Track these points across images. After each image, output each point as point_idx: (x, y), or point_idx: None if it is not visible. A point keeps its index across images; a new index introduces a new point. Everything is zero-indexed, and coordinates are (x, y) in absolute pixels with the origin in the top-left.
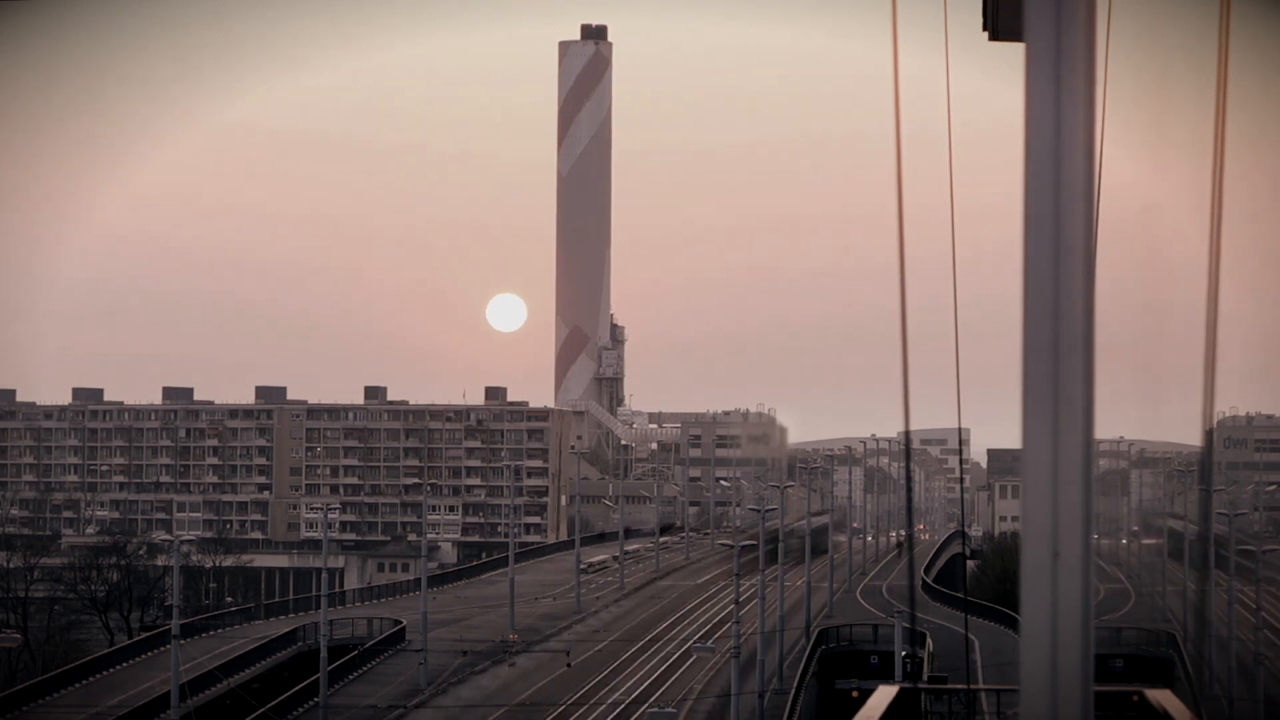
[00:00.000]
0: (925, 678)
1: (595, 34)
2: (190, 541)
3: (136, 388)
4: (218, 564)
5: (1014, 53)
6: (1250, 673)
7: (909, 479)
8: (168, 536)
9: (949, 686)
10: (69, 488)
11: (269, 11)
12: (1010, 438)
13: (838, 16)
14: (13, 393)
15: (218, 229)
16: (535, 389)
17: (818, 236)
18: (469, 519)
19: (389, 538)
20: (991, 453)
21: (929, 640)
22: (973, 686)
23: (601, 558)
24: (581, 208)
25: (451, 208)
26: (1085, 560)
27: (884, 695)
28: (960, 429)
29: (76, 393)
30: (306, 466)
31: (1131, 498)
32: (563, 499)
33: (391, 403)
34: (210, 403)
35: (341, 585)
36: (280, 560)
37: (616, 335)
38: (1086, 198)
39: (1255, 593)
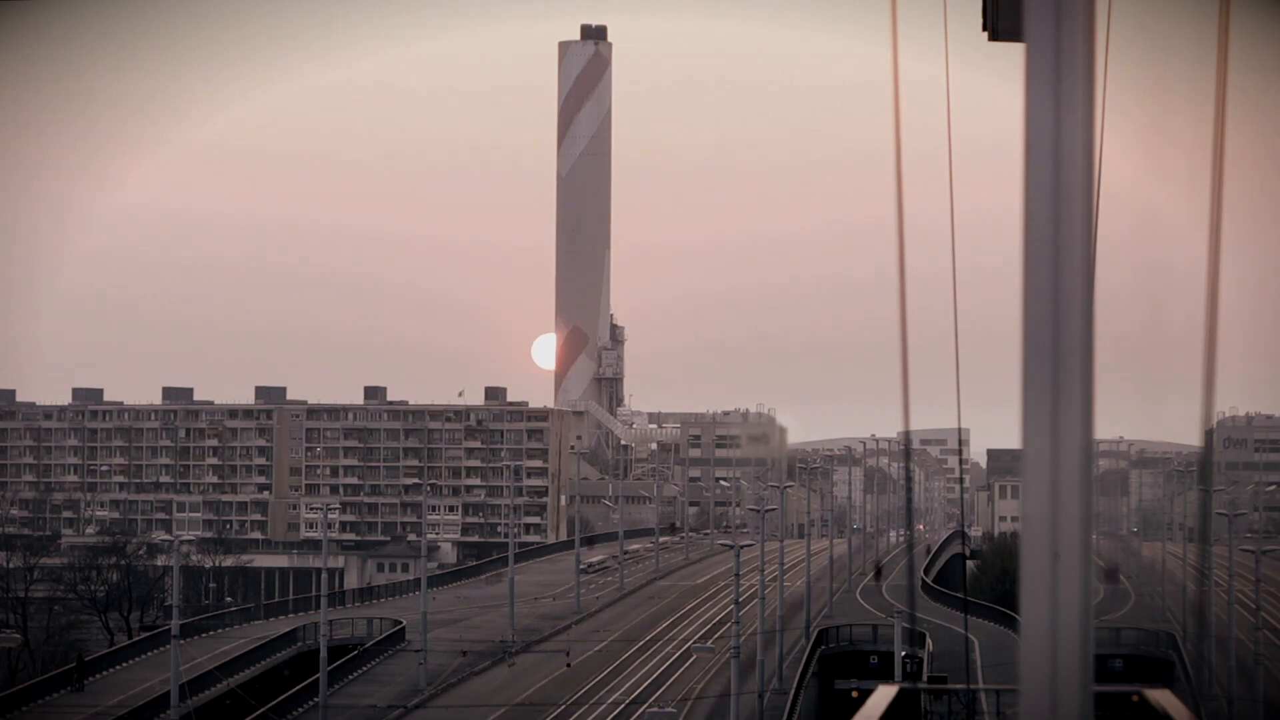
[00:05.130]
0: (925, 678)
1: (595, 34)
2: (190, 541)
3: (136, 388)
4: (217, 564)
5: (1014, 53)
6: (1250, 673)
7: (909, 479)
8: (167, 536)
9: (949, 686)
10: (69, 488)
11: (267, 14)
12: (1010, 438)
13: (837, 17)
14: (13, 393)
15: (215, 230)
16: (535, 389)
17: (818, 235)
18: (469, 519)
19: (389, 538)
20: (991, 453)
21: (929, 640)
22: (973, 686)
23: (601, 558)
24: (581, 207)
25: (448, 207)
26: (1085, 560)
27: (884, 695)
28: (960, 429)
29: (76, 393)
30: (306, 466)
31: (1131, 498)
32: (562, 499)
33: (391, 403)
34: (210, 403)
35: (341, 585)
36: (280, 560)
37: (616, 335)
38: (1086, 197)
39: (1255, 593)
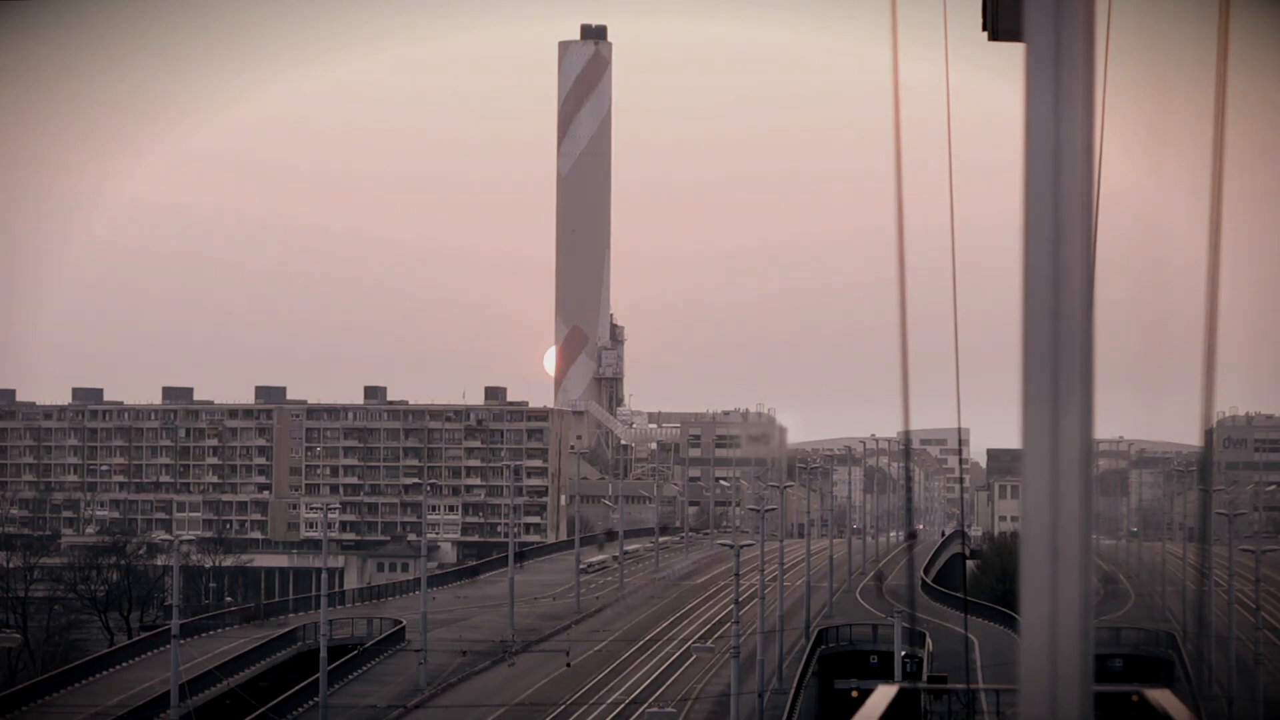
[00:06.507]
0: (925, 677)
1: (595, 34)
2: (190, 541)
3: (136, 388)
4: (217, 564)
5: (1014, 53)
6: (1250, 673)
7: (909, 479)
8: (167, 536)
9: (949, 686)
10: (69, 488)
11: (267, 16)
12: (1010, 438)
13: (837, 17)
14: (13, 393)
15: (216, 230)
16: (535, 389)
17: (818, 234)
18: (469, 519)
19: (389, 538)
20: (991, 453)
21: (928, 640)
22: (972, 686)
23: (601, 558)
24: (581, 207)
25: (448, 207)
26: (1085, 560)
27: (883, 695)
28: (960, 429)
29: (76, 393)
30: (306, 466)
31: (1131, 498)
32: (562, 499)
33: (391, 403)
34: (210, 403)
35: (341, 585)
36: (280, 560)
37: (616, 335)
38: (1086, 197)
39: (1255, 593)
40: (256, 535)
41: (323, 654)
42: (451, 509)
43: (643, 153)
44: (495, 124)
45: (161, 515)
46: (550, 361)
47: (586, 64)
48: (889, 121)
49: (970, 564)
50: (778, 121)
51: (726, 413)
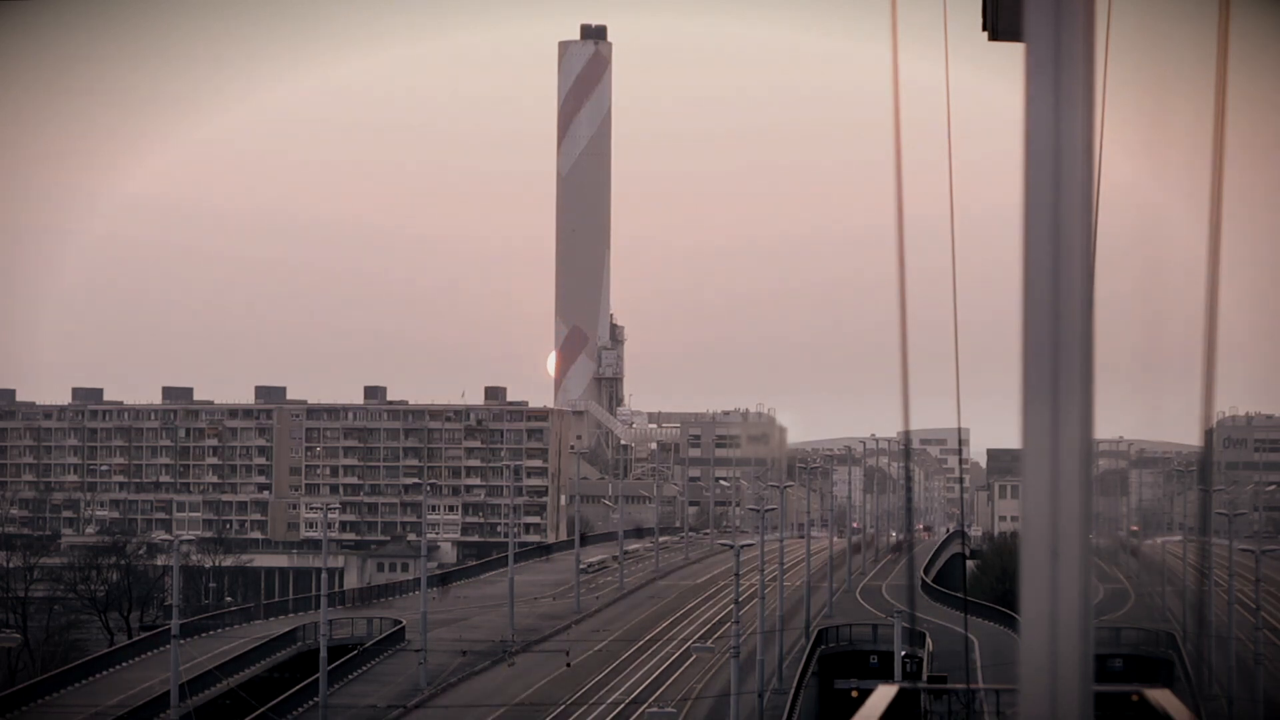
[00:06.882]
0: (925, 678)
1: (595, 34)
2: (190, 541)
3: (136, 388)
4: (217, 564)
5: (1014, 53)
6: (1250, 673)
7: (909, 479)
8: (167, 536)
9: (948, 686)
10: (69, 488)
11: (269, 15)
12: (1010, 438)
13: (837, 17)
14: (13, 392)
15: (216, 230)
16: (535, 389)
17: (818, 235)
18: (469, 519)
19: (389, 538)
20: (991, 453)
21: (928, 640)
22: (972, 686)
23: (601, 557)
24: (581, 207)
25: (449, 206)
26: (1084, 560)
27: (883, 695)
28: (960, 429)
29: (76, 392)
30: (306, 466)
31: (1131, 498)
32: (562, 499)
33: (391, 403)
34: (210, 403)
35: (341, 585)
36: (280, 560)
37: (616, 335)
38: (1086, 197)
39: (1255, 592)
40: (256, 535)
41: (323, 654)
42: (451, 509)
43: (643, 152)
44: (495, 124)
45: (161, 515)
46: (550, 362)
47: (586, 64)
48: (889, 121)
49: (970, 564)
50: (778, 121)
51: (726, 413)
